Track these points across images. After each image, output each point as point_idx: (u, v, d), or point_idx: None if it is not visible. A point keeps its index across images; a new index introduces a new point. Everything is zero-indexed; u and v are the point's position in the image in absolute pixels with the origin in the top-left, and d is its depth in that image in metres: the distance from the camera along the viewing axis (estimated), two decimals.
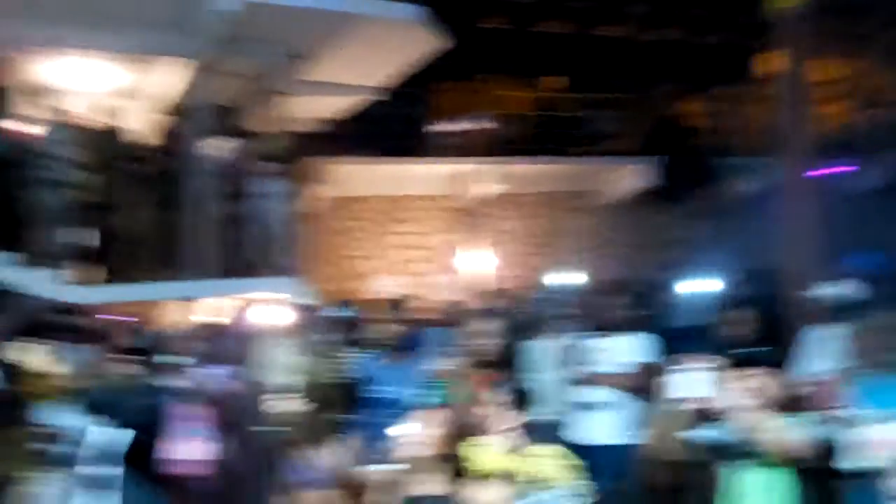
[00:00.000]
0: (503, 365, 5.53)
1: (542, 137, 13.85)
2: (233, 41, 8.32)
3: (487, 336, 5.93)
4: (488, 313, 7.12)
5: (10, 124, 7.50)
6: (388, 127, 11.94)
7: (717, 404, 4.06)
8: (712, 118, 14.75)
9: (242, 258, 8.19)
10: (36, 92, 7.80)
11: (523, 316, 7.35)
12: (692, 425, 4.27)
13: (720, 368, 4.20)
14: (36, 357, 5.73)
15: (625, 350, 5.96)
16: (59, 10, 7.67)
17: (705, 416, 4.14)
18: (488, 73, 14.22)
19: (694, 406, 4.20)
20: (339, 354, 6.02)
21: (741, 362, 4.31)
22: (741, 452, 4.02)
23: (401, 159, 12.31)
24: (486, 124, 13.88)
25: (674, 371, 4.28)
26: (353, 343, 6.45)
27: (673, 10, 16.29)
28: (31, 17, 7.67)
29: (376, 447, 4.86)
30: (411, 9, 8.76)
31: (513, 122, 14.10)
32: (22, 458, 5.40)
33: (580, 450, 4.48)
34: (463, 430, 4.10)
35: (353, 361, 5.91)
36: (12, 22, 7.66)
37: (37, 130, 7.68)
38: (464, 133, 13.60)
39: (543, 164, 13.24)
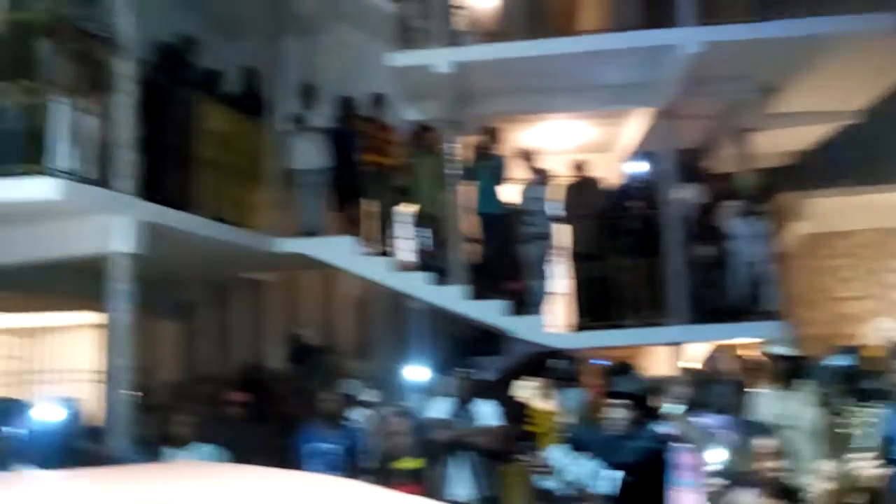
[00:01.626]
0: None
1: None
2: (695, 83, 8.23)
3: None
4: None
5: (504, 187, 8.31)
6: (871, 152, 10.67)
7: None
8: None
9: (722, 303, 7.94)
10: (521, 155, 8.55)
11: None
12: None
13: None
14: (535, 397, 6.16)
15: None
16: (542, 83, 8.39)
17: None
18: None
19: None
20: (844, 408, 5.40)
21: None
22: None
23: (893, 186, 10.86)
24: None
25: None
26: (858, 395, 5.73)
27: None
28: (520, 92, 8.52)
29: None
30: (893, 18, 7.77)
31: None
32: (522, 492, 5.80)
33: None
34: None
35: (864, 417, 5.23)
36: (504, 98, 8.61)
37: (523, 190, 8.41)
38: None
39: None
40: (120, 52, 6.13)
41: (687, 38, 7.79)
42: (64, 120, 5.67)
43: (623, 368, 6.33)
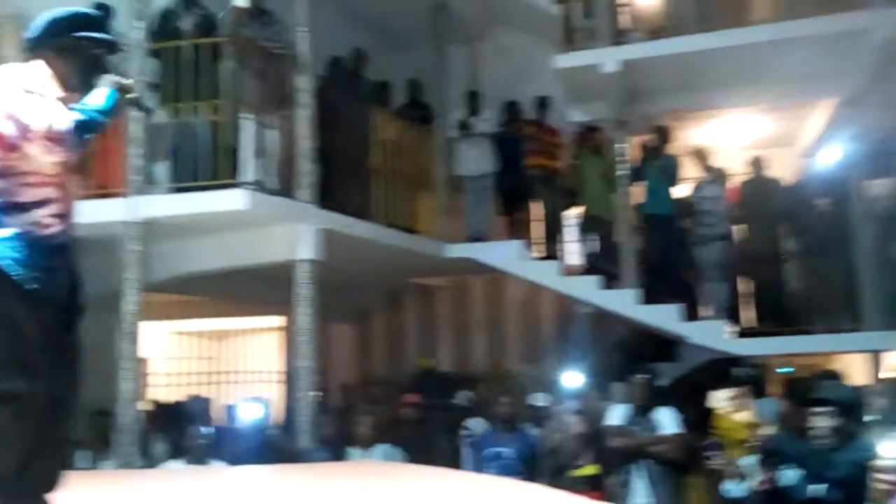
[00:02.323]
0: None
1: None
2: (888, 69, 7.60)
3: None
4: None
5: (676, 187, 8.02)
6: None
7: None
8: None
9: None
10: (693, 153, 8.21)
11: None
12: None
13: None
14: (730, 406, 5.89)
15: None
16: (714, 78, 8.04)
17: None
18: None
19: None
20: None
21: None
22: None
23: None
24: None
25: None
26: None
27: None
28: (691, 88, 8.21)
29: None
30: None
31: None
32: (703, 503, 5.55)
33: None
34: None
35: None
36: (674, 94, 8.33)
37: (696, 189, 8.06)
38: None
39: None
40: (298, 68, 6.43)
41: (879, 22, 7.21)
42: (250, 135, 6.02)
43: (828, 374, 5.88)
